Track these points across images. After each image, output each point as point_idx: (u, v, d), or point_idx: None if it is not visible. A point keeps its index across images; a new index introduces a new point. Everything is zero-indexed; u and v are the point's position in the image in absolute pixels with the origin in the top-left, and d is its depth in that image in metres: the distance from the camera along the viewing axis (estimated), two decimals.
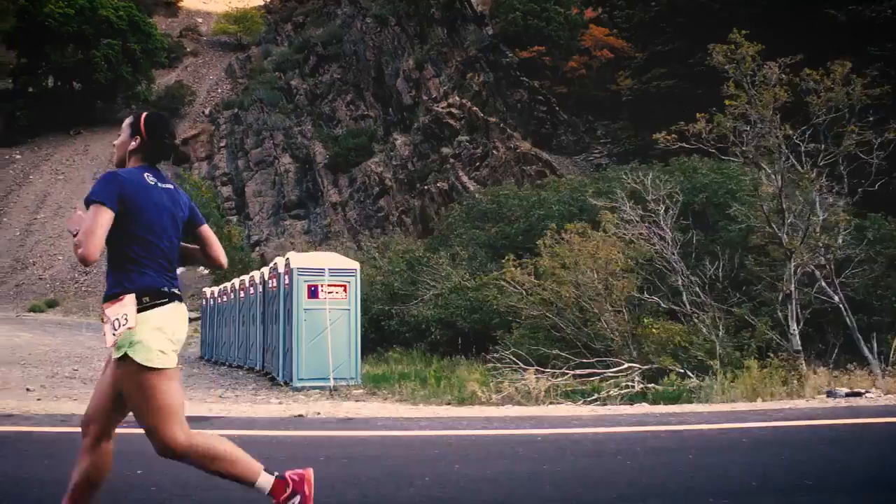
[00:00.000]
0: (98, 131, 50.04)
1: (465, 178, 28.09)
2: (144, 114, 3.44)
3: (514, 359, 10.36)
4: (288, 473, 3.19)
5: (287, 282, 11.77)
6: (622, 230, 11.85)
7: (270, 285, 13.59)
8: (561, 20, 35.18)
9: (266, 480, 3.12)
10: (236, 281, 16.83)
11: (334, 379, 11.33)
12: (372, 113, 40.42)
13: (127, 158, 3.34)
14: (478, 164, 28.44)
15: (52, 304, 34.77)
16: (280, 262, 13.29)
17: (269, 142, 41.90)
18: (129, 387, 3.00)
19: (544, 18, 34.94)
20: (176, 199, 3.31)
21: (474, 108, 30.18)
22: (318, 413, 7.57)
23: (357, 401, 10.45)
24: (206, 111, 51.66)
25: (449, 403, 9.42)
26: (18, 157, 47.40)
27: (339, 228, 32.99)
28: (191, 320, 10.01)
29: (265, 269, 14.49)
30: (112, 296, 3.05)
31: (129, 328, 2.96)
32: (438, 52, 39.18)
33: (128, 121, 3.42)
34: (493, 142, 28.67)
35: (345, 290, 11.66)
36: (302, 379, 11.30)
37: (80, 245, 2.95)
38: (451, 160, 29.12)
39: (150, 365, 2.97)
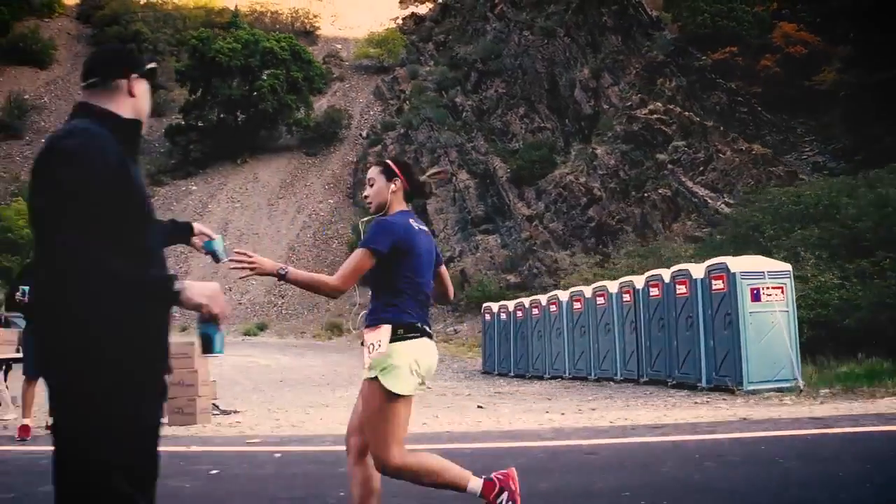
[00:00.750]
0: (263, 158, 51.77)
1: (689, 184, 27.90)
2: (391, 159, 3.66)
3: None
4: (493, 474, 3.48)
5: (722, 286, 11.84)
6: None
7: (652, 293, 13.75)
8: (750, 19, 34.78)
9: (476, 484, 3.42)
10: (540, 297, 17.00)
11: (778, 381, 11.36)
12: (548, 125, 40.59)
13: (388, 203, 3.54)
14: (701, 168, 28.21)
15: (261, 328, 35.96)
16: (662, 272, 13.48)
17: (444, 159, 42.49)
18: (372, 405, 3.32)
19: (734, 18, 34.61)
20: (431, 242, 3.62)
21: (687, 113, 29.99)
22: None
23: (823, 402, 10.45)
24: (364, 133, 52.89)
25: None
26: (194, 188, 49.36)
27: (546, 240, 33.14)
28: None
29: (636, 279, 14.67)
30: (372, 324, 3.35)
31: (382, 353, 3.27)
32: (614, 60, 39.15)
33: (376, 169, 3.61)
34: (714, 145, 28.41)
35: (782, 292, 11.70)
36: (752, 382, 11.34)
37: (324, 283, 3.34)
38: (670, 166, 28.97)
39: (394, 391, 3.26)
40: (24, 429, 7.67)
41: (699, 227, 26.61)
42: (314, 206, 46.49)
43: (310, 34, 65.74)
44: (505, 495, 3.45)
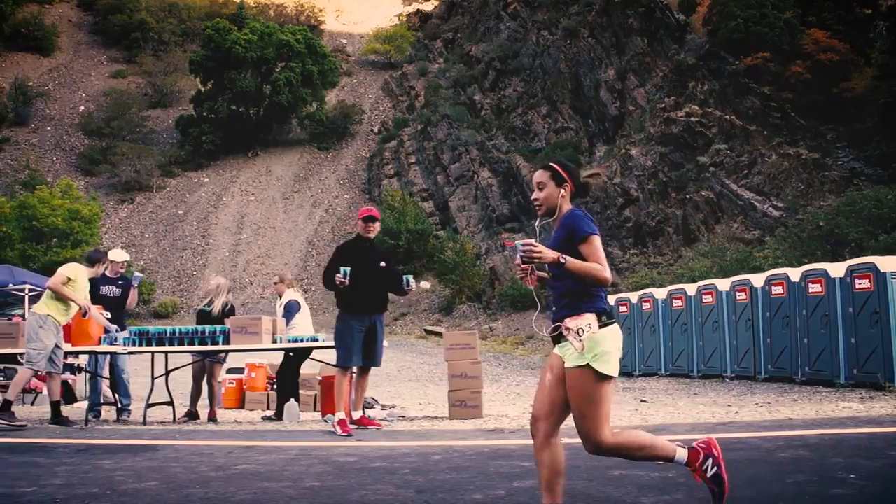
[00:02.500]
0: (274, 152, 51.37)
1: (734, 186, 28.21)
2: (557, 163, 3.78)
3: None
4: (695, 443, 3.66)
5: (868, 285, 12.03)
6: None
7: (774, 292, 13.94)
8: (782, 25, 35.21)
9: (682, 454, 3.60)
10: (629, 295, 17.09)
11: None
12: (572, 125, 40.79)
13: (559, 207, 3.66)
14: (745, 171, 28.53)
15: None
16: (788, 271, 13.65)
17: (465, 157, 42.53)
18: (582, 392, 3.43)
19: (766, 24, 35.02)
20: None
21: (729, 116, 30.31)
22: None
23: None
24: (375, 129, 52.72)
25: None
26: (206, 180, 48.83)
27: None
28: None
29: (753, 277, 14.84)
30: (573, 313, 3.48)
31: (594, 333, 3.42)
32: (640, 62, 39.48)
33: (544, 174, 3.73)
34: (756, 149, 28.75)
35: None
36: None
37: (600, 270, 3.46)
38: (712, 168, 29.27)
39: (609, 374, 3.42)
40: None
41: (747, 230, 26.92)
42: (330, 200, 46.23)
43: (314, 28, 65.24)
44: (710, 461, 3.62)
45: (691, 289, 16.65)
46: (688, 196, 29.55)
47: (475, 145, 42.70)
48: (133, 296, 9.55)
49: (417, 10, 66.31)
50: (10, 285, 14.70)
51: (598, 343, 3.42)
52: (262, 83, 50.01)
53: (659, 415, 9.54)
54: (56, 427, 8.22)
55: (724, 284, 15.73)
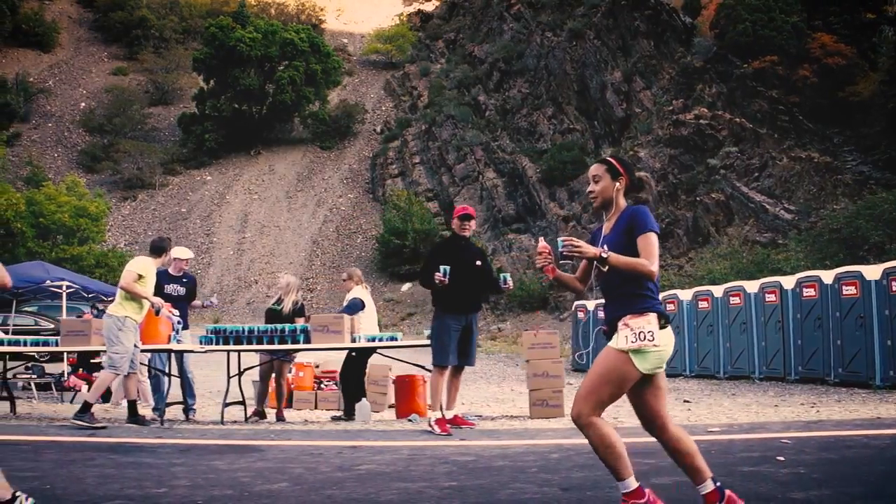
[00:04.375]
0: (277, 151, 51.32)
1: (745, 189, 28.39)
2: (613, 157, 3.94)
3: None
4: (727, 491, 3.54)
5: None
6: None
7: (806, 294, 14.10)
8: (789, 28, 35.45)
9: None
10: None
11: None
12: (578, 126, 40.93)
13: (614, 200, 3.81)
14: (756, 174, 28.73)
15: None
16: (820, 273, 13.82)
17: (470, 157, 42.61)
18: (605, 367, 3.54)
19: (774, 28, 35.25)
20: None
21: (739, 119, 30.51)
22: None
23: None
24: (377, 128, 52.73)
25: None
26: (209, 178, 48.75)
27: (589, 242, 33.37)
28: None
29: (783, 279, 14.99)
30: (638, 311, 3.58)
31: (655, 345, 3.50)
32: (646, 65, 39.67)
33: (600, 167, 3.87)
34: (768, 151, 28.95)
35: None
36: None
37: (645, 265, 3.56)
38: (722, 171, 29.46)
39: (641, 370, 3.50)
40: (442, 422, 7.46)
41: (759, 232, 27.13)
42: (334, 200, 46.23)
43: (315, 27, 65.19)
44: None
45: (717, 290, 16.79)
46: (698, 198, 29.73)
47: (480, 146, 42.79)
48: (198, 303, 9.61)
49: (418, 10, 66.39)
50: (48, 281, 14.67)
51: (649, 345, 3.53)
52: (266, 81, 49.95)
53: (710, 414, 9.65)
54: (136, 426, 8.21)
55: (752, 286, 15.87)
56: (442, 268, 7.44)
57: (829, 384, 13.57)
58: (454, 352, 7.61)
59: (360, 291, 9.50)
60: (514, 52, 47.90)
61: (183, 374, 9.22)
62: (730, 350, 16.15)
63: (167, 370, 9.35)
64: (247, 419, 9.29)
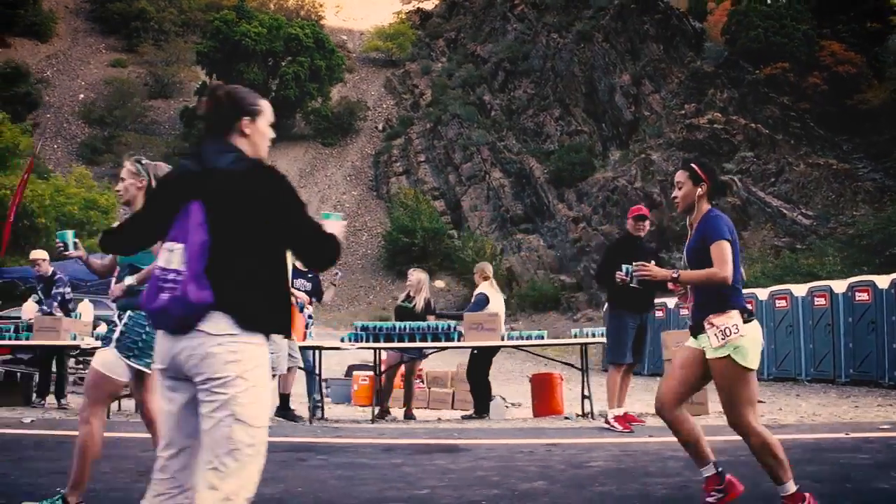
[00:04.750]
0: (279, 147, 50.96)
1: (761, 194, 28.65)
2: (695, 162, 4.15)
3: None
4: (807, 494, 3.71)
5: None
6: None
7: (859, 298, 14.28)
8: (800, 36, 35.85)
9: (790, 487, 3.68)
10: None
11: None
12: (586, 128, 41.09)
13: (695, 203, 4.04)
14: (772, 180, 29.00)
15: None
16: (874, 278, 14.01)
17: (477, 157, 42.65)
18: (727, 380, 3.76)
19: (785, 35, 35.64)
20: None
21: (755, 125, 30.79)
22: None
23: None
24: (379, 126, 52.62)
25: None
26: None
27: (600, 242, 33.55)
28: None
29: (833, 283, 15.17)
30: (719, 310, 3.80)
31: (741, 336, 3.72)
32: (655, 68, 39.94)
33: (683, 174, 4.11)
34: (784, 157, 29.24)
35: None
36: None
37: (715, 274, 3.79)
38: (738, 176, 29.71)
39: (748, 366, 3.72)
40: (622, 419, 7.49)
41: (777, 237, 27.40)
42: (338, 197, 46.07)
43: (314, 25, 64.99)
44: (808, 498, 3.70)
45: (762, 293, 16.96)
46: (714, 203, 29.89)
47: (486, 145, 42.83)
48: (330, 294, 9.28)
49: (417, 8, 66.33)
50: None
51: (740, 338, 3.72)
52: (269, 77, 49.71)
53: (795, 415, 9.74)
54: (285, 421, 8.17)
55: (799, 290, 16.05)
56: (624, 267, 7.43)
57: (882, 387, 13.75)
58: (630, 349, 7.66)
59: (486, 287, 9.37)
60: (520, 52, 48.04)
61: (310, 371, 9.10)
62: (775, 352, 16.31)
63: (314, 368, 9.18)
64: (373, 419, 9.12)
